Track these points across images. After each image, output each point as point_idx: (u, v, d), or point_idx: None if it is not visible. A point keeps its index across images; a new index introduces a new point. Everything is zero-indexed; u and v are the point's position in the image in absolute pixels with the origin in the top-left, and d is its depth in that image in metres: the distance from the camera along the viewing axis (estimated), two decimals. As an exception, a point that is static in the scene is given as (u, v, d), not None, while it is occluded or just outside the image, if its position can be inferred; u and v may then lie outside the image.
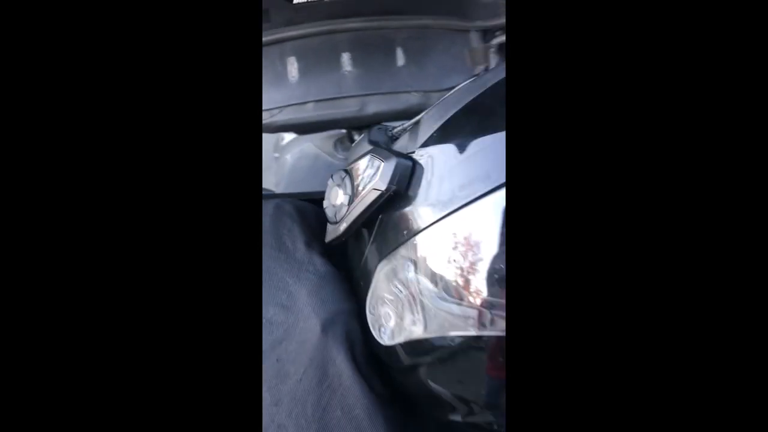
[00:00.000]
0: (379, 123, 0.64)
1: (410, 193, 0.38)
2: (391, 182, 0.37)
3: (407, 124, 0.42)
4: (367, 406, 0.40)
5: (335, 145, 0.84)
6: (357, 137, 0.80)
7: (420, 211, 0.37)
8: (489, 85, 0.36)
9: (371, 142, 0.41)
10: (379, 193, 0.37)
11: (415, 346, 0.40)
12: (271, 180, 0.82)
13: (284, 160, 0.84)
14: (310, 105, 0.64)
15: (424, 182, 0.37)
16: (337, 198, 0.42)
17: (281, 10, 0.61)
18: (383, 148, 0.40)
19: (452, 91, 0.39)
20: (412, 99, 0.63)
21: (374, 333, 0.42)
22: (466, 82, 0.40)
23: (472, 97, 0.37)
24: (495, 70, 0.38)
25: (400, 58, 0.63)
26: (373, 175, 0.38)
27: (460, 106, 0.37)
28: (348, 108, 0.64)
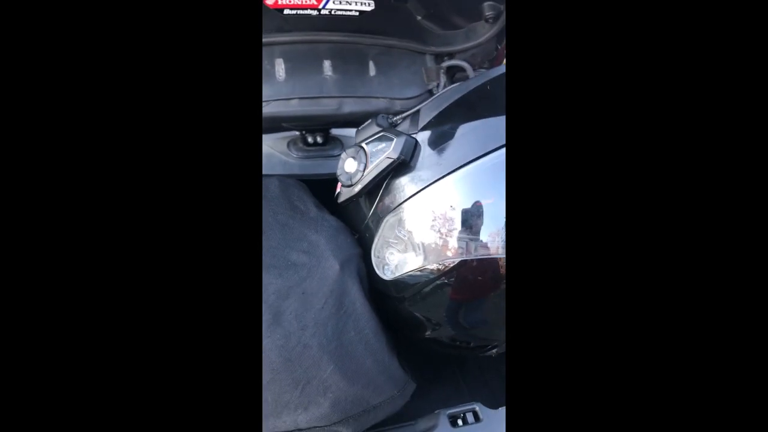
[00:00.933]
0: (353, 121, 0.77)
1: (412, 163, 0.51)
2: (401, 153, 0.50)
3: (406, 114, 0.55)
4: (374, 327, 0.52)
5: (288, 146, 0.93)
6: (310, 139, 0.91)
7: (421, 176, 0.51)
8: (473, 86, 0.52)
9: (378, 125, 0.54)
10: (391, 161, 0.50)
11: (403, 283, 0.52)
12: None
13: None
14: (295, 101, 0.74)
15: (423, 155, 0.51)
16: (351, 167, 0.53)
17: (272, 18, 0.71)
18: (392, 129, 0.53)
19: (444, 90, 0.54)
20: (380, 104, 0.77)
21: (378, 272, 0.54)
22: (454, 85, 0.55)
23: (460, 95, 0.52)
24: (476, 78, 0.53)
25: (372, 70, 0.77)
26: (385, 148, 0.51)
27: (451, 101, 0.52)
28: (327, 106, 0.75)
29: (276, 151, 0.93)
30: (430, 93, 0.79)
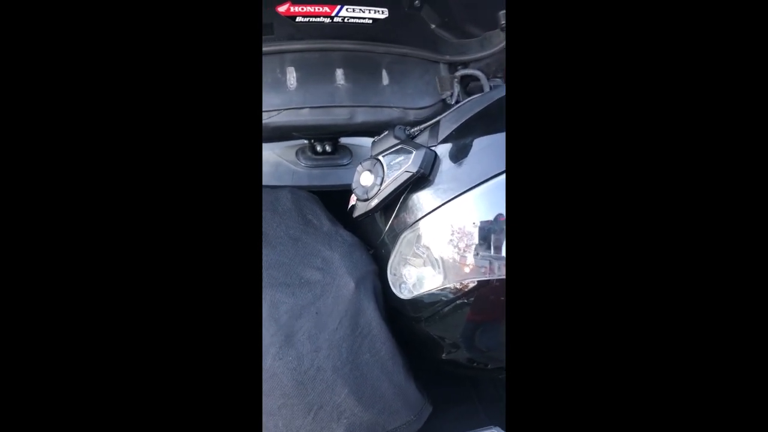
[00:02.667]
0: (365, 131, 0.75)
1: (431, 177, 0.49)
2: (420, 167, 0.48)
3: (424, 126, 0.53)
4: (390, 348, 0.50)
5: (297, 154, 0.91)
6: (319, 148, 0.89)
7: (440, 191, 0.48)
8: (494, 99, 0.50)
9: (396, 137, 0.52)
10: (410, 174, 0.48)
11: (421, 302, 0.50)
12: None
13: None
14: (306, 110, 0.72)
15: (442, 169, 0.49)
16: (367, 180, 0.51)
17: (284, 25, 0.70)
18: (410, 141, 0.51)
19: (465, 101, 0.52)
20: (393, 113, 0.75)
21: (394, 290, 0.52)
22: (475, 96, 0.53)
23: (481, 107, 0.50)
24: (497, 90, 0.51)
25: (385, 79, 0.75)
26: (403, 161, 0.49)
27: (472, 114, 0.50)
28: (339, 116, 0.73)
29: (284, 160, 0.91)
30: (444, 102, 0.77)
